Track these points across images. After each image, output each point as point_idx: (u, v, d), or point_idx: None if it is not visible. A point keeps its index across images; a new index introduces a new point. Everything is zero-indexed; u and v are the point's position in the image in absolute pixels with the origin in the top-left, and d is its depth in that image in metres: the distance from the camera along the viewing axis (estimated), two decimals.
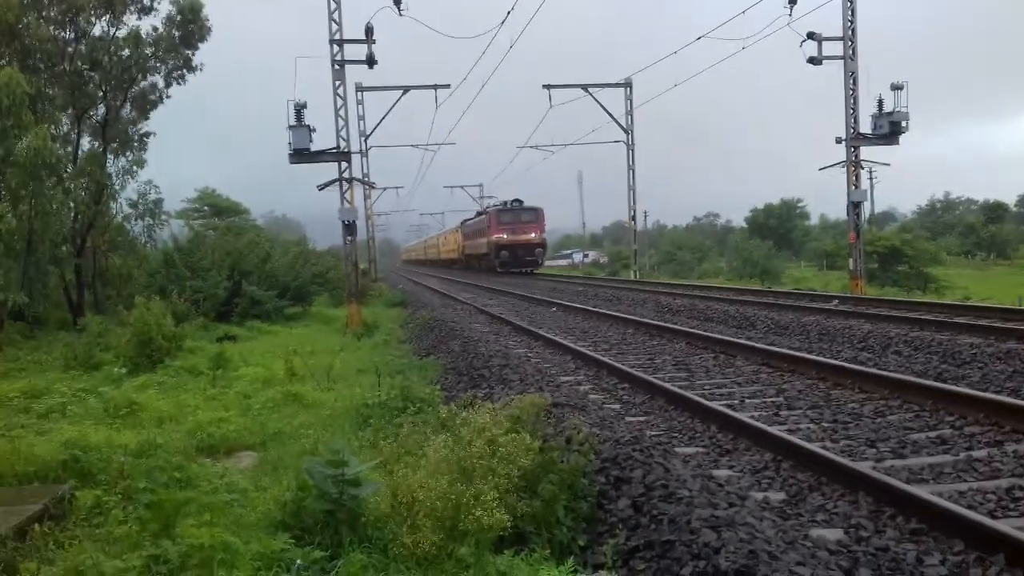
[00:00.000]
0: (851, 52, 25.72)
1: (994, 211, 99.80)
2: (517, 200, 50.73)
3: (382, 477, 5.40)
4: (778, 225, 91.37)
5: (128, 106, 24.79)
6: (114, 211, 24.07)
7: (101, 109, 23.74)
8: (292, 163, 24.13)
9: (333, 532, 4.84)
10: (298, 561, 4.38)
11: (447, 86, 32.19)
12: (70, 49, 22.63)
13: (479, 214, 58.24)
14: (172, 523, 4.70)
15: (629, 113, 38.30)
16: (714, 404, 8.43)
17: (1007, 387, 8.87)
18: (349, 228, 24.46)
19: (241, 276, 23.34)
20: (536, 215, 50.60)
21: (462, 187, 73.48)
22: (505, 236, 49.34)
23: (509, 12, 21.05)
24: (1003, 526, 4.72)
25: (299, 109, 23.61)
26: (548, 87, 35.95)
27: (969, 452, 6.62)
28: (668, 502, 5.22)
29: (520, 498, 5.24)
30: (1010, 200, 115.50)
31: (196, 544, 4.26)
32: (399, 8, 23.51)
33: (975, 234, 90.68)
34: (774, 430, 7.20)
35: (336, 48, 23.54)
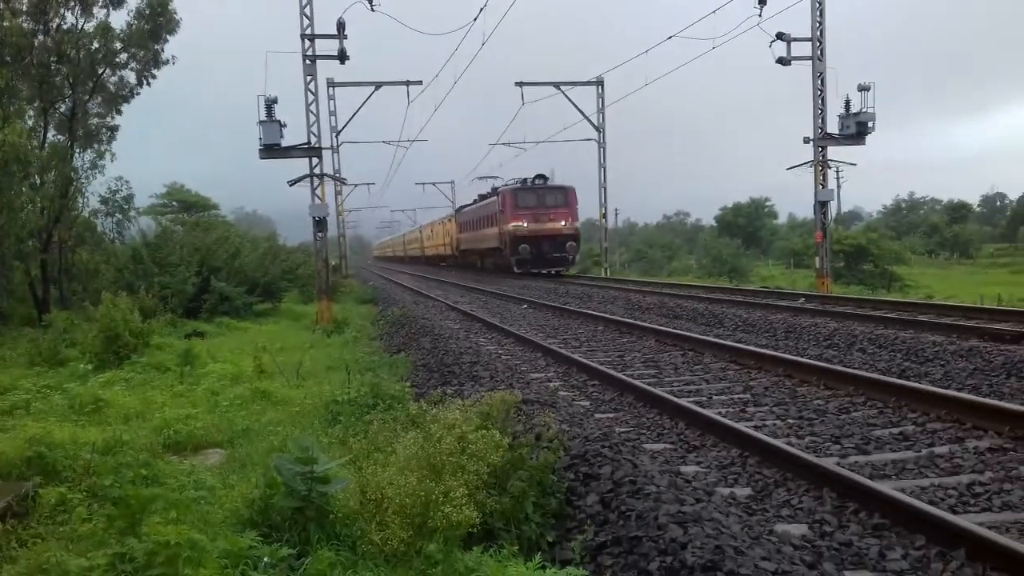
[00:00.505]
0: (819, 53, 25.98)
1: (957, 211, 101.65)
2: (541, 176, 39.06)
3: (351, 474, 5.38)
4: (747, 224, 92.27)
5: (96, 99, 24.48)
6: (81, 205, 23.77)
7: (68, 102, 23.42)
8: (262, 158, 23.91)
9: (301, 529, 4.82)
10: (265, 558, 4.37)
11: (419, 82, 32.16)
12: (37, 41, 22.27)
13: (484, 197, 46.27)
14: (138, 521, 4.66)
15: (600, 111, 38.43)
16: (682, 401, 8.51)
17: (968, 384, 9.04)
18: (319, 224, 24.28)
19: (210, 272, 23.14)
20: (566, 196, 38.51)
21: (434, 184, 73.18)
22: (525, 225, 37.44)
23: (482, 9, 21.05)
24: (964, 521, 4.82)
25: (270, 104, 23.39)
26: (520, 84, 35.97)
27: (931, 448, 6.74)
28: (636, 498, 5.26)
29: (489, 495, 5.25)
30: (973, 200, 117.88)
31: (162, 542, 4.23)
32: (371, 4, 23.41)
33: (939, 234, 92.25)
34: (741, 426, 7.29)
35: (307, 43, 23.35)
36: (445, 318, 19.70)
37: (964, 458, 6.42)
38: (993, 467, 6.17)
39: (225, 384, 11.18)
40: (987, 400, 7.79)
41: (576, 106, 37.53)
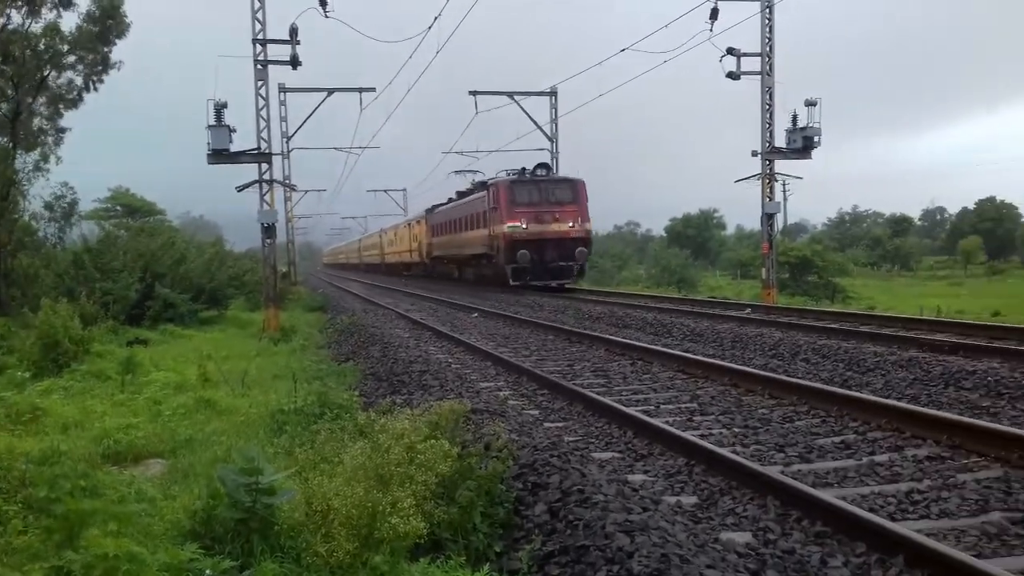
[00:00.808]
0: (768, 68, 26.50)
1: (899, 224, 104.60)
2: (543, 166, 33.04)
3: (297, 485, 5.31)
4: (696, 234, 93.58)
5: (40, 99, 23.93)
6: (22, 209, 23.19)
7: (11, 103, 22.83)
8: (211, 163, 23.58)
9: (244, 541, 4.74)
10: (207, 571, 4.28)
11: (372, 89, 31.98)
12: None
13: (464, 195, 39.66)
14: (76, 533, 4.54)
15: (554, 121, 38.66)
16: (630, 410, 8.57)
17: (908, 394, 9.26)
18: (268, 231, 24.03)
19: (154, 278, 22.71)
20: (575, 191, 31.77)
21: (385, 191, 72.74)
22: (524, 225, 30.77)
23: (436, 18, 21.06)
24: (903, 529, 4.91)
25: (219, 109, 23.09)
26: (474, 93, 36.00)
27: (872, 457, 6.88)
28: (584, 507, 5.28)
29: (437, 505, 5.23)
30: (914, 214, 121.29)
31: (100, 554, 4.11)
32: (324, 9, 23.27)
33: (881, 246, 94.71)
34: (687, 435, 7.36)
35: (259, 48, 23.13)
36: (395, 326, 19.59)
37: (903, 466, 6.57)
38: (931, 475, 6.31)
39: (168, 393, 10.96)
40: (926, 410, 7.99)
41: (530, 116, 37.72)
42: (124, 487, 6.19)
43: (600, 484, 5.69)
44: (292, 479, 5.46)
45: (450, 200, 42.69)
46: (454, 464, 5.50)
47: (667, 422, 8.15)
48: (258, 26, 22.98)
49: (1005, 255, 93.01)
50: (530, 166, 33.16)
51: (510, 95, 37.03)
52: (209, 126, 23.05)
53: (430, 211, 46.96)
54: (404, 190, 72.87)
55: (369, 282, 53.01)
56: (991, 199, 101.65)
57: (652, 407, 9.18)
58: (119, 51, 24.23)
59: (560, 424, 8.54)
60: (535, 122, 37.92)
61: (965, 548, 4.82)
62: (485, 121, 36.57)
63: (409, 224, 55.40)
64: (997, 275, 74.55)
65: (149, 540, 4.72)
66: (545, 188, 31.48)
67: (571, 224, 31.11)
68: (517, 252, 30.45)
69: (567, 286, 31.95)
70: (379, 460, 5.28)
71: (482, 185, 35.63)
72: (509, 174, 33.31)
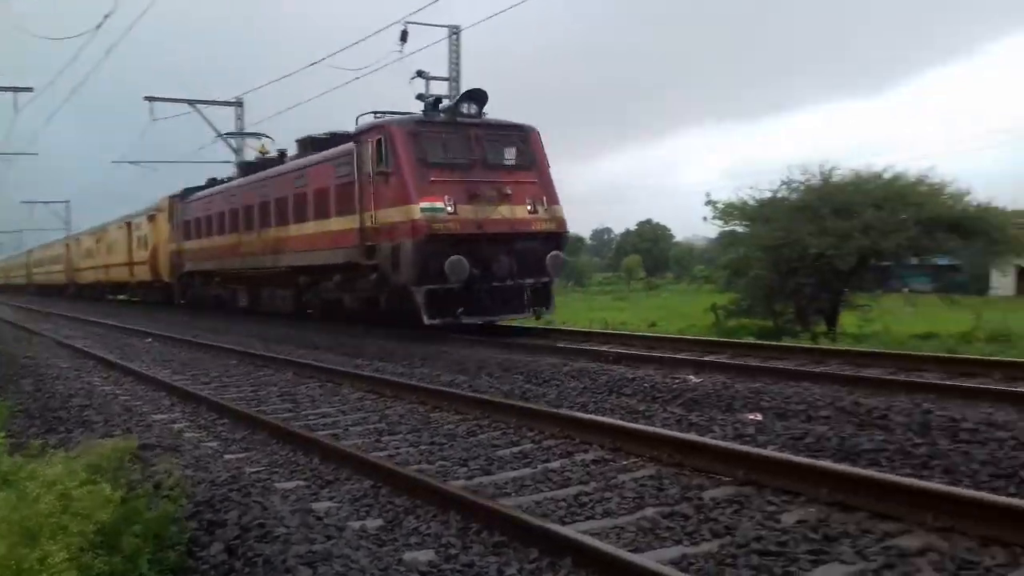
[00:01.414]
0: (455, 92, 27.62)
1: (573, 244, 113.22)
2: (472, 97, 18.02)
3: None
4: None
5: None
6: None
7: None
8: None
9: None
10: None
11: (29, 89, 28.89)
12: None
13: (248, 169, 26.53)
14: None
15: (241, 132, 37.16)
16: (317, 435, 8.40)
17: (578, 403, 9.95)
18: None
19: None
20: (529, 146, 17.98)
21: (45, 203, 65.38)
22: (450, 208, 16.28)
23: (107, 16, 19.45)
24: (569, 531, 5.24)
25: None
26: (150, 99, 33.71)
27: (546, 464, 7.29)
28: (264, 542, 5.07)
29: (97, 555, 4.74)
30: (586, 233, 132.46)
31: None
32: None
33: None
34: (373, 457, 7.36)
35: None
36: (53, 356, 17.60)
37: (573, 471, 7.03)
38: (596, 478, 6.81)
39: None
40: (592, 416, 8.63)
41: (213, 126, 35.90)
42: None
43: (283, 516, 5.50)
44: None
45: (212, 181, 29.51)
46: (117, 509, 5.04)
47: (355, 444, 8.10)
48: None
49: (661, 271, 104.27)
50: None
51: (191, 103, 35.11)
52: None
53: (182, 198, 30.59)
54: (67, 202, 66.02)
55: (29, 307, 47.15)
56: (648, 221, 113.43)
57: (340, 430, 9.06)
58: None
59: (242, 455, 8.13)
60: (219, 132, 36.22)
61: (624, 544, 5.25)
62: (163, 131, 34.21)
63: (128, 224, 37.77)
64: (654, 290, 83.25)
65: None
66: (480, 139, 17.48)
67: (531, 207, 17.46)
68: (446, 259, 16.01)
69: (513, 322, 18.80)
70: (26, 511, 4.71)
71: (339, 137, 19.98)
72: (423, 105, 18.73)
